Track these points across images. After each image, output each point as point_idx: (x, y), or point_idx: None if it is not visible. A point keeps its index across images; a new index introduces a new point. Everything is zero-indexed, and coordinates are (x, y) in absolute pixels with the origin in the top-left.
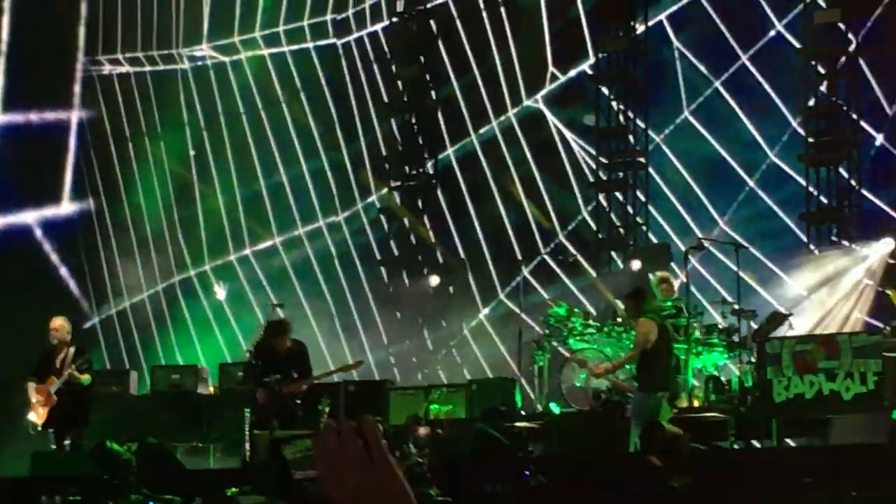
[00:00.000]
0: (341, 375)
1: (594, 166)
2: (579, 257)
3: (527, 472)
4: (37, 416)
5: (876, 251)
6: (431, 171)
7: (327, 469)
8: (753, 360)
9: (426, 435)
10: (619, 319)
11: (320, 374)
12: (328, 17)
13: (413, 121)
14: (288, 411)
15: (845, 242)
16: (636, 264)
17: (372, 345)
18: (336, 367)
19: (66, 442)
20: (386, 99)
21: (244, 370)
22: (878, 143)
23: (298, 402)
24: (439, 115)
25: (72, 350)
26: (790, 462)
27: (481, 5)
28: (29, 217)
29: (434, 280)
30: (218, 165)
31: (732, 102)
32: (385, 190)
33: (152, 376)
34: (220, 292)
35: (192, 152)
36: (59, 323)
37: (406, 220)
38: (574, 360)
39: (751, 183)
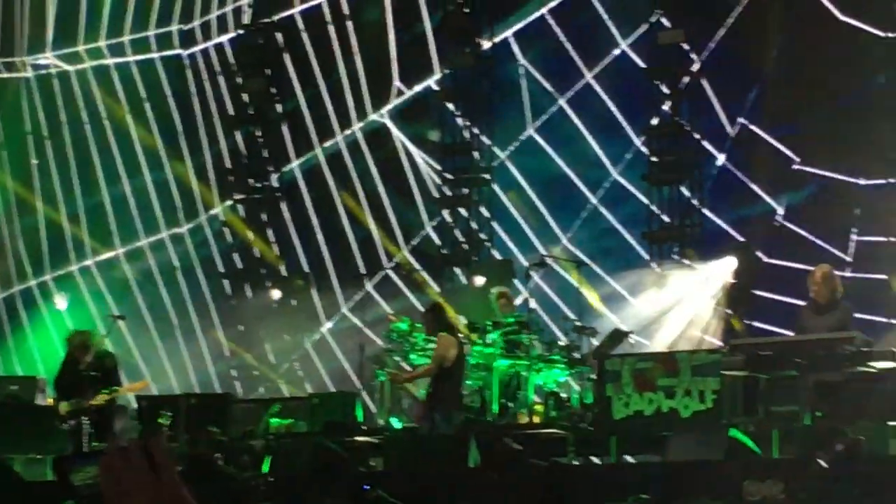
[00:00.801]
0: (183, 388)
1: (439, 182)
2: (423, 272)
3: (366, 487)
4: None
5: (717, 269)
6: (276, 185)
7: (116, 493)
8: (594, 377)
9: (262, 448)
10: (461, 335)
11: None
12: (174, 27)
13: (258, 134)
14: (99, 425)
15: (686, 261)
16: (479, 280)
17: (214, 357)
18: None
19: None
20: (231, 111)
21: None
22: (719, 163)
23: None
24: (284, 128)
25: None
26: (628, 478)
27: (328, 19)
28: None
29: (276, 294)
30: (61, 175)
31: (577, 120)
32: (230, 202)
33: None
34: (61, 303)
35: (34, 161)
36: None
37: (250, 234)
38: (387, 372)
39: (594, 201)
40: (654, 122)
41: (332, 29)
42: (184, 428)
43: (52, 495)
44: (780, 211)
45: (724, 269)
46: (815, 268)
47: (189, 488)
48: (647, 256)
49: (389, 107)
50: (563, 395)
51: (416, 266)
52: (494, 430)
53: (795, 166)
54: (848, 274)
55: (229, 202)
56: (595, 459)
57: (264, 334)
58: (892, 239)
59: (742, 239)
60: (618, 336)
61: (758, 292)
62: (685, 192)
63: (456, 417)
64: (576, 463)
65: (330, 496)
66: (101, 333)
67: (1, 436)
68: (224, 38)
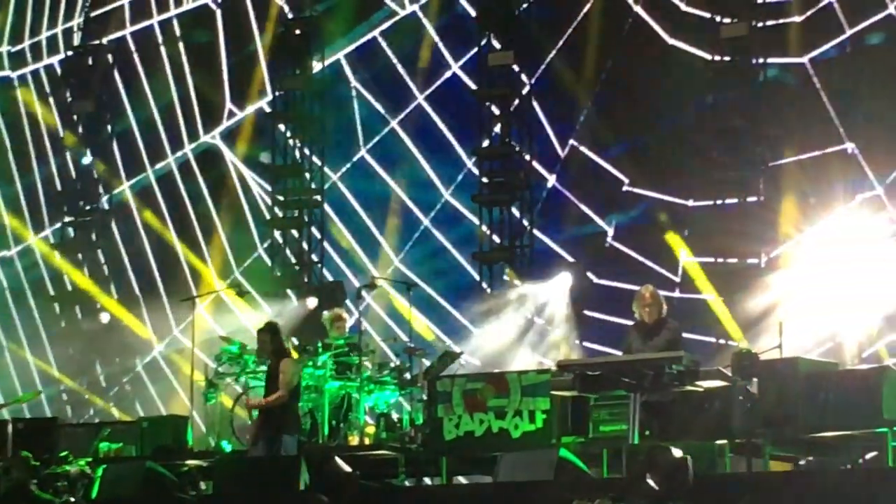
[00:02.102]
0: (12, 409)
1: (270, 203)
2: (254, 293)
3: None
4: None
5: (550, 288)
6: (107, 206)
7: None
8: (424, 398)
9: (78, 472)
10: (294, 356)
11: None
12: (3, 48)
13: (89, 155)
14: None
15: (517, 282)
16: (312, 301)
17: (43, 380)
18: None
19: None
20: (61, 133)
21: None
22: (549, 184)
23: None
24: (115, 149)
25: None
26: (460, 499)
27: (159, 40)
28: None
29: (105, 317)
30: None
31: (408, 141)
32: (59, 224)
33: None
34: None
35: None
36: None
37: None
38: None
39: (426, 222)
40: (485, 143)
41: (163, 50)
42: (9, 451)
43: None
44: (610, 232)
45: (558, 287)
46: (642, 288)
47: None
48: (477, 277)
49: (221, 128)
50: (395, 416)
51: (248, 287)
52: (325, 452)
53: (625, 188)
54: (677, 294)
55: (59, 224)
56: (427, 480)
57: (95, 356)
58: (720, 260)
59: (572, 259)
60: (449, 357)
61: (588, 312)
62: (516, 212)
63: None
64: (407, 484)
65: None
66: None
67: None
68: (54, 60)
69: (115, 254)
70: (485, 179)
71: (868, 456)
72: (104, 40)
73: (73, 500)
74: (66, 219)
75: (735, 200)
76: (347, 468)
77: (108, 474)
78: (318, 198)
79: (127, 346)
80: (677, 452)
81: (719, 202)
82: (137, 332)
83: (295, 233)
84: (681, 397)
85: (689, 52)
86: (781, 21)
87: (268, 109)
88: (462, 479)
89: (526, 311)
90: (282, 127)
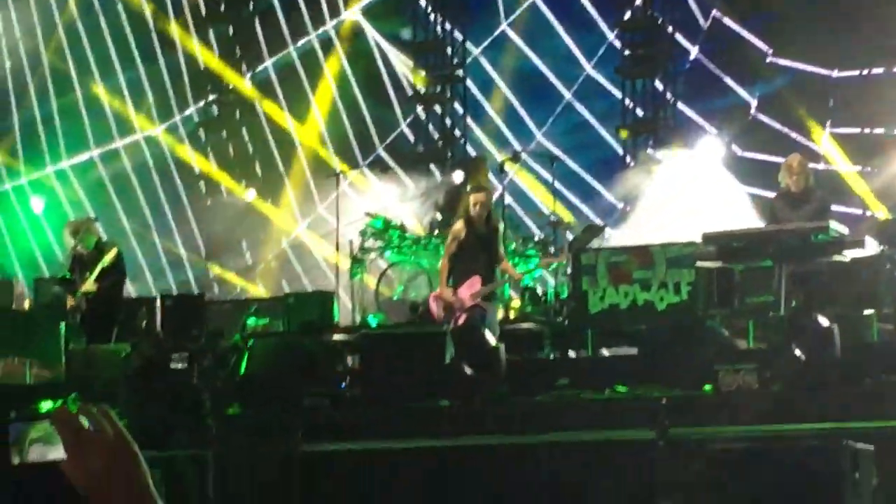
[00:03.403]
0: (159, 290)
1: (412, 79)
2: (398, 169)
3: (342, 385)
4: None
5: (694, 160)
6: (249, 85)
7: (72, 454)
8: (569, 271)
9: (229, 348)
10: (437, 232)
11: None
12: None
13: (231, 32)
14: (97, 316)
15: (660, 154)
16: (458, 175)
17: (190, 258)
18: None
19: None
20: (203, 13)
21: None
22: (692, 56)
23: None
24: (257, 26)
25: None
26: (605, 371)
27: None
28: None
29: (251, 194)
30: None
31: (550, 15)
32: (202, 103)
33: None
34: (37, 205)
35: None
36: None
37: (224, 133)
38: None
39: (568, 95)
40: (627, 15)
41: None
42: (160, 329)
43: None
44: (753, 103)
45: (703, 159)
46: (789, 157)
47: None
48: (620, 151)
49: (362, 4)
50: (539, 290)
51: (391, 163)
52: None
53: (769, 58)
54: (820, 166)
55: (202, 102)
56: (572, 353)
57: (241, 234)
58: (865, 130)
59: (715, 131)
60: (593, 230)
61: (735, 186)
62: (658, 85)
63: None
64: (552, 357)
65: (308, 394)
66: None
67: None
68: None
69: (259, 132)
70: (627, 52)
71: None
72: None
73: (223, 375)
74: (211, 97)
75: (881, 70)
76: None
77: (257, 349)
78: (460, 73)
79: (271, 225)
80: (824, 322)
81: (865, 72)
82: (282, 211)
83: (437, 108)
84: (827, 267)
85: None
86: None
87: None
88: (606, 352)
89: (669, 182)
90: (422, 2)
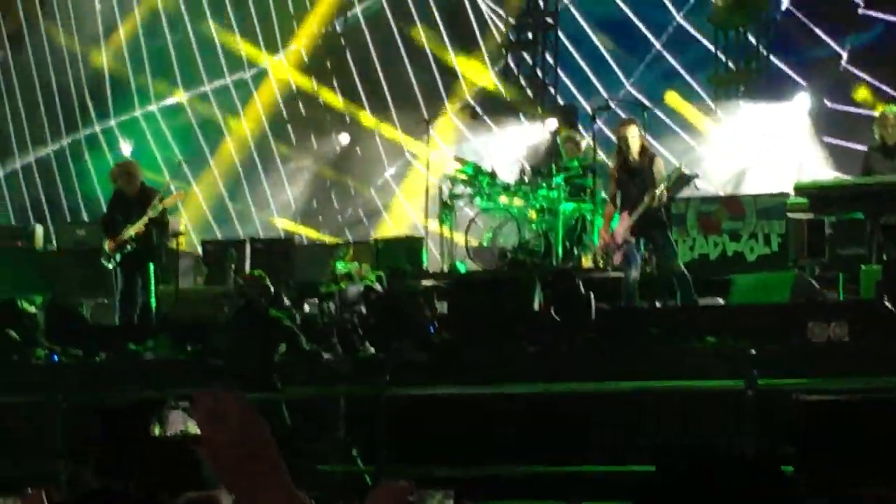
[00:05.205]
0: (247, 233)
1: (502, 27)
2: (486, 118)
3: (432, 329)
4: None
5: (786, 111)
6: (340, 29)
7: (207, 431)
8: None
9: (355, 294)
10: (527, 178)
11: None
12: None
13: None
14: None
15: (751, 104)
16: (552, 123)
17: (277, 202)
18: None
19: None
20: None
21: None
22: (784, 6)
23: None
24: None
25: None
26: (695, 321)
27: None
28: None
29: (344, 139)
30: None
31: None
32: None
33: (57, 232)
34: (126, 148)
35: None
36: None
37: (314, 83)
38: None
39: (657, 45)
40: None
41: None
42: (248, 271)
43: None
44: (845, 55)
45: (795, 110)
46: (885, 109)
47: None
48: (710, 102)
49: None
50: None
51: (480, 111)
52: (562, 273)
53: (861, 10)
54: None
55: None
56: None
57: (328, 180)
58: None
59: (806, 83)
60: (682, 179)
61: (824, 139)
62: (750, 36)
63: None
64: (641, 306)
65: (398, 339)
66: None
67: (69, 281)
68: None
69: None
70: (718, 2)
71: None
72: None
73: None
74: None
75: None
76: (582, 289)
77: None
78: (551, 20)
79: (361, 171)
80: None
81: None
82: (370, 156)
83: (527, 56)
84: None
85: None
86: None
87: None
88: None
89: (761, 134)
90: None
